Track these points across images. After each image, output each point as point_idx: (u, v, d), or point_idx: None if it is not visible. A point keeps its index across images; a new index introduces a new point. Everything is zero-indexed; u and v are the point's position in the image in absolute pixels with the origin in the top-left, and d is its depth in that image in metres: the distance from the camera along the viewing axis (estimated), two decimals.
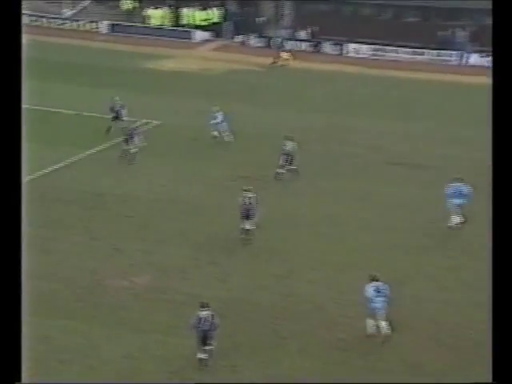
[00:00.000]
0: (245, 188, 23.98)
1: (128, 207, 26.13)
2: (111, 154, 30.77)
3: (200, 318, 17.36)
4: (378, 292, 18.53)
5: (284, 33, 52.98)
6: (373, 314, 18.68)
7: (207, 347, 17.43)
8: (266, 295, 20.83)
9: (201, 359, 17.49)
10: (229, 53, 49.37)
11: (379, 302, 18.54)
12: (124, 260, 22.49)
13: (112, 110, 32.62)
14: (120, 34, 53.61)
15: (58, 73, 42.84)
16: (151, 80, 42.89)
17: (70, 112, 35.94)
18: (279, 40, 49.11)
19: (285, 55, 47.90)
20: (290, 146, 28.82)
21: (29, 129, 34.03)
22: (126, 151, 30.12)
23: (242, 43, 52.61)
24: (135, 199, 26.83)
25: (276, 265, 22.51)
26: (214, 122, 32.28)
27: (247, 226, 23.59)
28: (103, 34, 53.88)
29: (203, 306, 17.50)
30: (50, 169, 29.05)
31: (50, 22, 54.94)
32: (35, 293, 20.26)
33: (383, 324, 18.66)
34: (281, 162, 28.66)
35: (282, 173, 28.77)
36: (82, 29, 54.55)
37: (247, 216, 23.57)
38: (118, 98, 32.76)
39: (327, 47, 51.92)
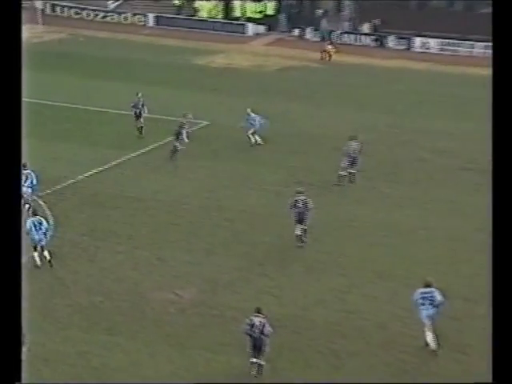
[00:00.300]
0: (297, 190, 24.28)
1: (174, 214, 26.37)
2: (157, 156, 31.10)
3: (251, 324, 17.78)
4: (427, 299, 18.58)
5: (344, 26, 52.95)
6: (424, 324, 18.71)
7: (259, 356, 17.82)
8: (322, 311, 20.83)
9: (252, 362, 17.88)
10: (284, 48, 49.50)
11: (426, 310, 18.61)
12: (169, 271, 22.69)
13: (136, 107, 32.96)
14: (167, 27, 54.15)
15: (100, 69, 43.45)
16: (200, 77, 43.24)
17: (113, 111, 36.42)
18: (323, 32, 49.07)
19: (329, 48, 47.90)
20: (354, 146, 28.81)
21: (71, 129, 34.90)
22: (176, 148, 30.62)
23: (299, 37, 52.69)
24: (181, 205, 27.06)
25: (333, 278, 22.48)
26: (249, 123, 32.30)
27: (298, 232, 23.95)
28: (149, 28, 54.48)
29: (257, 311, 18.02)
30: (92, 171, 29.47)
31: (93, 15, 55.74)
32: (75, 305, 20.63)
33: (430, 337, 18.63)
34: (344, 164, 28.68)
35: (345, 175, 28.77)
36: (126, 22, 55.26)
37: (300, 220, 23.85)
38: (140, 95, 33.05)
39: (391, 41, 51.72)
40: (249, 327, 17.78)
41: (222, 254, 23.72)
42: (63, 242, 23.90)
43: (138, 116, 32.95)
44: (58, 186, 28.00)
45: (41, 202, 26.45)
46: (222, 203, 27.32)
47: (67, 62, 44.64)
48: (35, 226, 22.19)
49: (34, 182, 25.62)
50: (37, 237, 22.19)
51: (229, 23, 54.15)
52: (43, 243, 22.35)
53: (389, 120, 36.50)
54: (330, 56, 47.67)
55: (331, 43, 48.28)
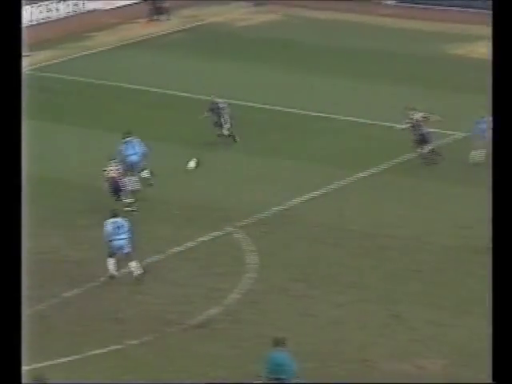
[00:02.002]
0: None
1: (414, 256, 26.27)
2: (392, 178, 31.13)
3: None
4: None
5: None
6: None
7: None
8: None
9: None
10: None
11: None
12: (407, 334, 22.67)
13: (212, 110, 33.88)
14: (414, 5, 54.33)
15: (320, 62, 44.15)
16: (456, 72, 42.93)
17: (339, 118, 36.86)
18: None
19: None
20: None
21: (279, 142, 35.40)
22: (425, 154, 31.60)
23: None
24: (425, 245, 26.89)
25: None
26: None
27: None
28: (389, 6, 54.90)
29: None
30: (307, 196, 29.94)
31: None
32: None
33: None
34: None
35: None
36: None
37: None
38: (218, 99, 33.79)
39: None
40: None
41: (479, 314, 23.34)
42: (267, 288, 24.40)
43: (218, 124, 34.04)
44: (261, 215, 28.64)
45: (238, 235, 27.15)
46: (482, 244, 26.89)
47: (279, 51, 45.64)
48: (117, 228, 24.61)
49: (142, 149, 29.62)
50: (116, 243, 24.53)
51: None
52: (126, 250, 24.52)
53: None
54: None
55: None
